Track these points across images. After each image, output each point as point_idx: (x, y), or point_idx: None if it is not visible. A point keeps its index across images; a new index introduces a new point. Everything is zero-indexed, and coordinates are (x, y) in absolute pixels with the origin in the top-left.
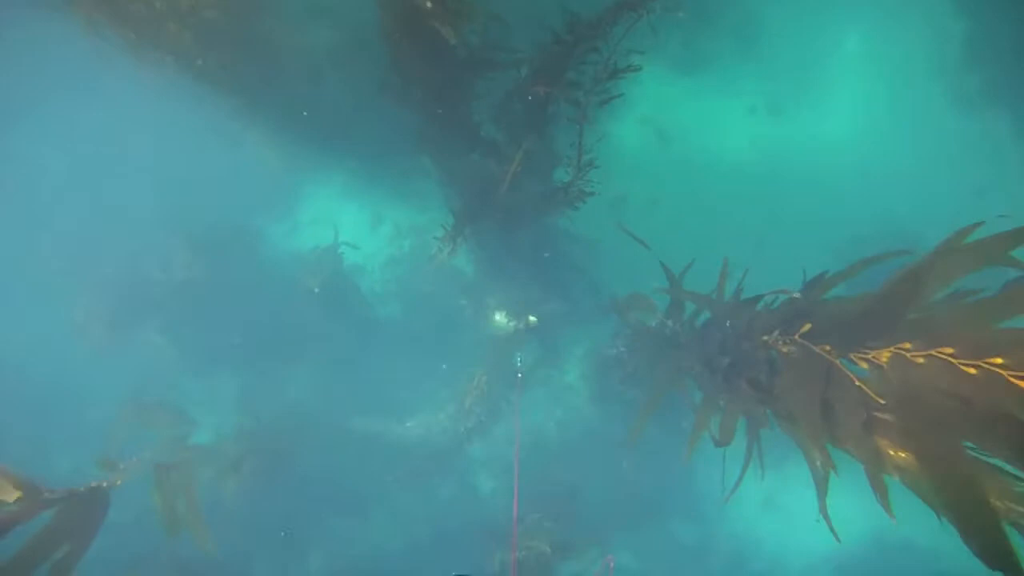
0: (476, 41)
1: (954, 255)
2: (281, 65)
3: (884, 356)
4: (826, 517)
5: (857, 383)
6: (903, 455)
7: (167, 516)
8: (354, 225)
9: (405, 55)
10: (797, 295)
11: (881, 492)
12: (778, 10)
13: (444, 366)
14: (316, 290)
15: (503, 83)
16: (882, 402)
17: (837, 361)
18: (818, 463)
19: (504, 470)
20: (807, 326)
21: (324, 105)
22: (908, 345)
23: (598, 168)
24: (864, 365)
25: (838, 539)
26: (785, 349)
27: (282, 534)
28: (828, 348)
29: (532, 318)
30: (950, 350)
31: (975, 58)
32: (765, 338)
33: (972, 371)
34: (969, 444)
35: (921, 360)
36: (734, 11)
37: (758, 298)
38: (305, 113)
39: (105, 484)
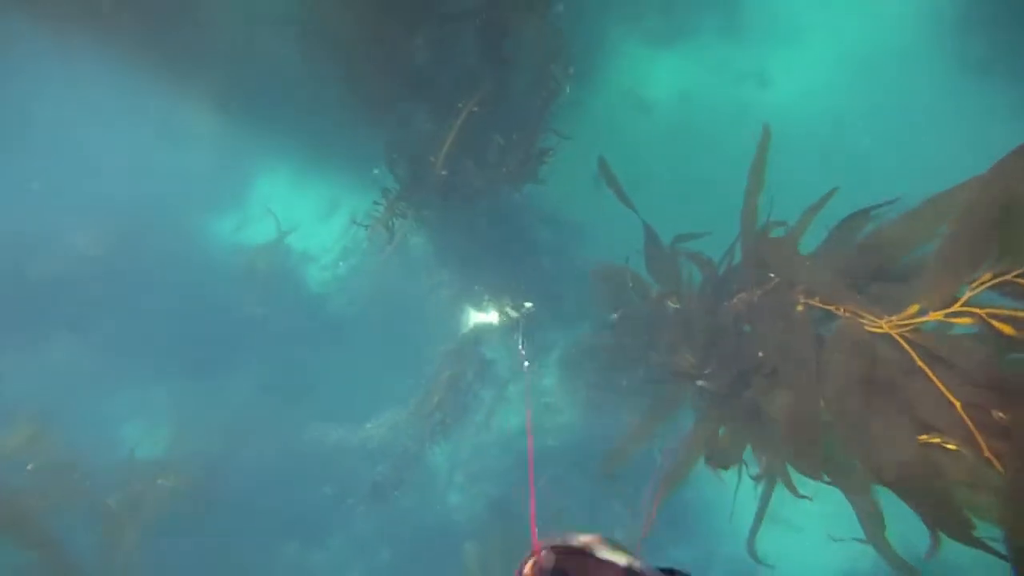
0: None
1: None
2: (212, 29)
3: None
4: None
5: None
6: None
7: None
8: (308, 214)
9: None
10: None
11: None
12: None
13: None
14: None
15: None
16: None
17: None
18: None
19: (473, 480)
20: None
21: (262, 74)
22: None
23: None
24: (1006, 329)
25: None
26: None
27: None
28: (914, 310)
29: (528, 304)
30: None
31: (978, 21)
32: (799, 305)
33: None
34: None
35: None
36: None
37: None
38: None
39: None
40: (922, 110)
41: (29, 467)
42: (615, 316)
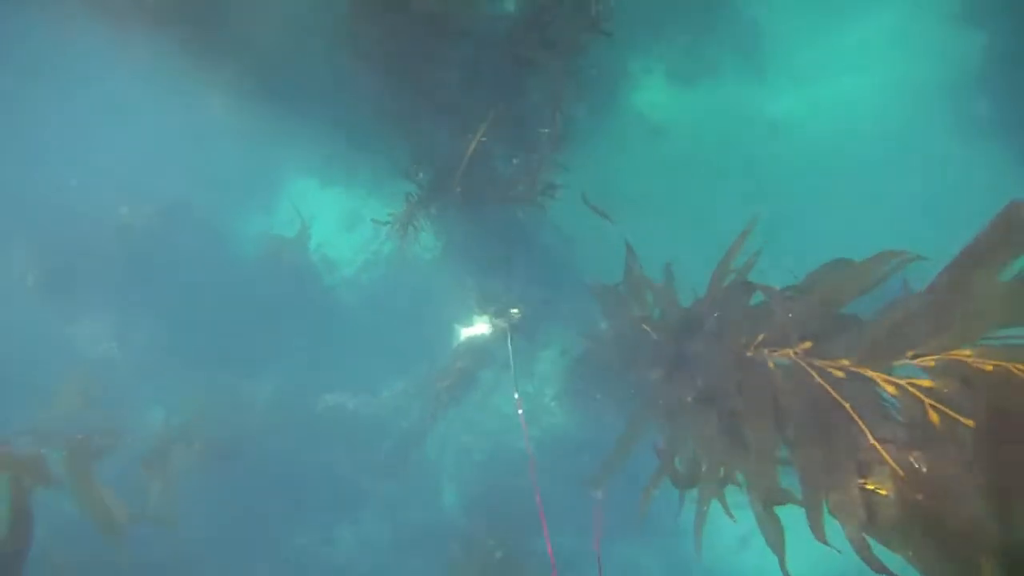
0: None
1: None
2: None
3: (929, 363)
4: None
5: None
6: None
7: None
8: (332, 224)
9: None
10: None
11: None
12: (782, 25)
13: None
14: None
15: (475, 43)
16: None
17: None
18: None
19: (469, 481)
20: (806, 344)
21: (293, 80)
22: (968, 353)
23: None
24: (891, 389)
25: None
26: (772, 365)
27: None
28: (846, 363)
29: (514, 310)
30: None
31: (988, 80)
32: (749, 353)
33: None
34: None
35: (990, 368)
36: (737, 24)
37: (745, 288)
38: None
39: None
40: (927, 165)
41: (80, 436)
42: (603, 327)
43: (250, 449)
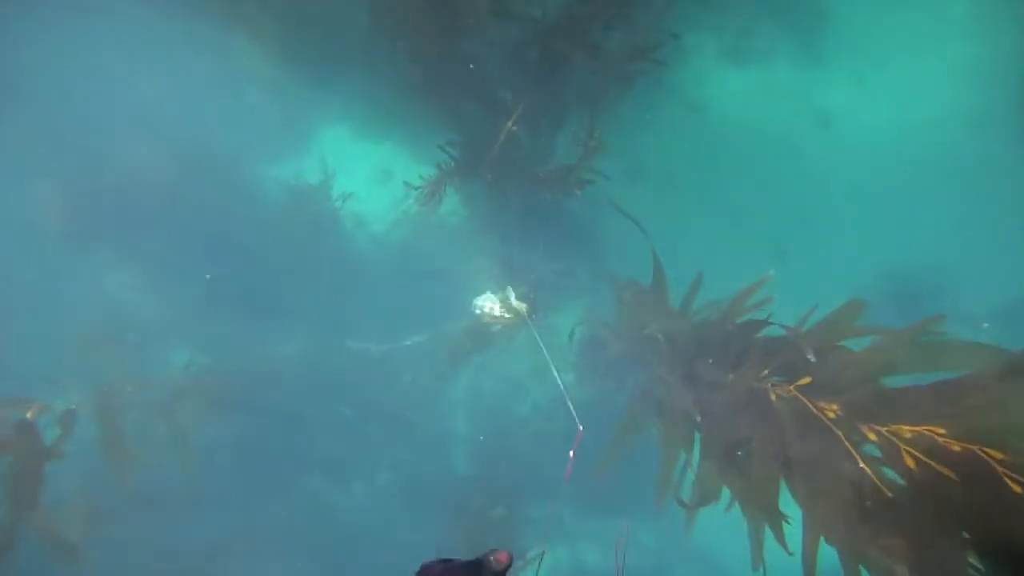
0: None
1: None
2: None
3: (905, 433)
4: None
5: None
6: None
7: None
8: (363, 178)
9: None
10: (811, 358)
11: None
12: (848, 12)
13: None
14: None
15: (516, 32)
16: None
17: (840, 433)
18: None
19: (475, 441)
20: (806, 379)
21: (326, 36)
22: (942, 431)
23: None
24: (872, 436)
25: None
26: (775, 397)
27: None
28: (835, 408)
29: (532, 295)
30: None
31: None
32: (757, 383)
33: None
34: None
35: (957, 448)
36: (800, 6)
37: (757, 325)
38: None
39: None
40: (981, 178)
41: (108, 385)
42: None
43: (269, 394)
